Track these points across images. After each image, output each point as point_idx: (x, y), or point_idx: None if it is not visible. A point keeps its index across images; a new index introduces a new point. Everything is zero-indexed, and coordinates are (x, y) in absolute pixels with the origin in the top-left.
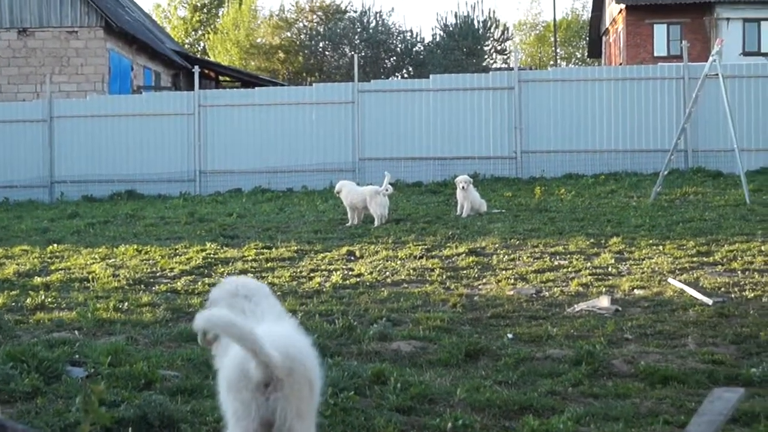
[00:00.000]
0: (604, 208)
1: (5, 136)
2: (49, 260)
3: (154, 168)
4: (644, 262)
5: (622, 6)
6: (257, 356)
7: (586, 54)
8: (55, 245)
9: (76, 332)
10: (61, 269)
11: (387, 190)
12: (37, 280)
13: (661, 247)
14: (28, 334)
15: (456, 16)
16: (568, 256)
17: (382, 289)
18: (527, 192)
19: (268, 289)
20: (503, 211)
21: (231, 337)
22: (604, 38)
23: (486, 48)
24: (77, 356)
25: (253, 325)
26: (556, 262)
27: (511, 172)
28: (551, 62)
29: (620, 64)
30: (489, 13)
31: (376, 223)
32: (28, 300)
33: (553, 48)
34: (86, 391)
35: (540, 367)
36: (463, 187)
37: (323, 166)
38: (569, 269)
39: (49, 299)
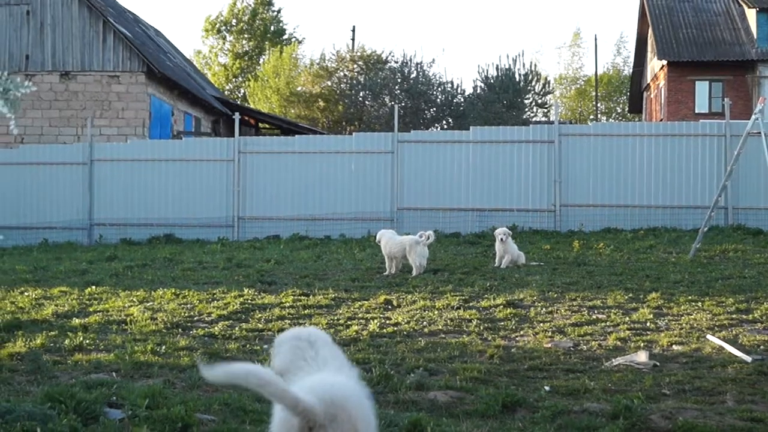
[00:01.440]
0: (642, 263)
1: (46, 178)
2: (87, 302)
3: (192, 213)
4: (683, 318)
5: (664, 62)
6: (289, 404)
7: (626, 109)
8: (94, 287)
9: (114, 374)
10: (99, 311)
11: (428, 239)
12: (76, 321)
13: (699, 304)
14: (66, 374)
15: (497, 68)
16: (606, 310)
17: (419, 338)
18: (565, 245)
19: (330, 338)
20: (541, 263)
21: (253, 387)
22: (645, 94)
23: (526, 101)
24: (115, 398)
25: (312, 371)
26: (594, 316)
27: (549, 225)
28: (591, 116)
29: (661, 119)
30: (530, 66)
31: (414, 273)
32: (67, 341)
33: (594, 102)
34: None
35: (577, 421)
36: (501, 239)
37: (361, 215)
38: (607, 323)
39: (88, 341)
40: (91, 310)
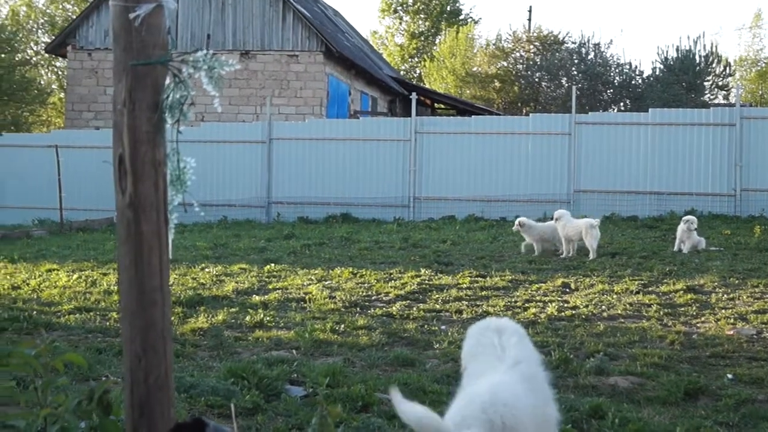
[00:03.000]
0: None
1: (225, 156)
2: (266, 279)
3: (368, 192)
4: None
5: None
6: None
7: None
8: (272, 265)
9: (294, 351)
10: (278, 288)
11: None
12: (256, 298)
13: None
14: (247, 351)
15: (677, 50)
16: None
17: (598, 322)
18: (746, 230)
19: (522, 330)
20: (721, 249)
21: None
22: None
23: (706, 83)
24: (295, 375)
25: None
26: None
27: (729, 209)
28: None
29: None
30: (711, 47)
31: (591, 256)
32: (247, 318)
33: None
34: (322, 413)
35: (762, 410)
36: (688, 228)
37: (537, 197)
38: None
39: (268, 318)
40: (270, 287)
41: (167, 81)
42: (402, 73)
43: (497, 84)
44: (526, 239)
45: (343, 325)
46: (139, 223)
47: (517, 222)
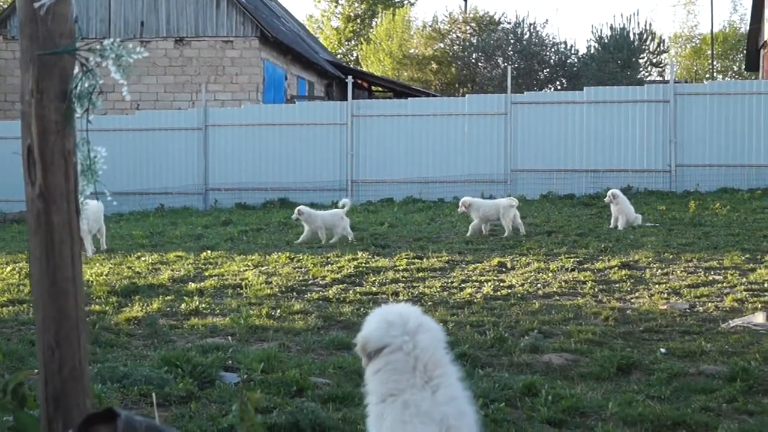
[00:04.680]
0: (760, 223)
1: (161, 144)
2: (203, 266)
3: (306, 177)
4: None
5: None
6: None
7: (743, 67)
8: (209, 252)
9: (230, 338)
10: (214, 275)
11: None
12: (192, 285)
13: None
14: (182, 339)
15: (611, 28)
16: (723, 271)
17: (534, 300)
18: (681, 206)
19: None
20: (657, 224)
21: None
22: (762, 51)
23: (641, 61)
24: (230, 362)
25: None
26: (710, 277)
27: (665, 185)
28: (707, 75)
29: None
30: (645, 25)
31: (506, 234)
32: (183, 305)
33: (710, 61)
34: (243, 398)
35: (693, 383)
36: (611, 201)
37: (475, 177)
38: (724, 284)
39: (203, 305)
40: (206, 274)
41: (76, 70)
42: (339, 56)
43: (434, 66)
44: (473, 218)
45: (279, 310)
46: (50, 213)
47: (461, 202)
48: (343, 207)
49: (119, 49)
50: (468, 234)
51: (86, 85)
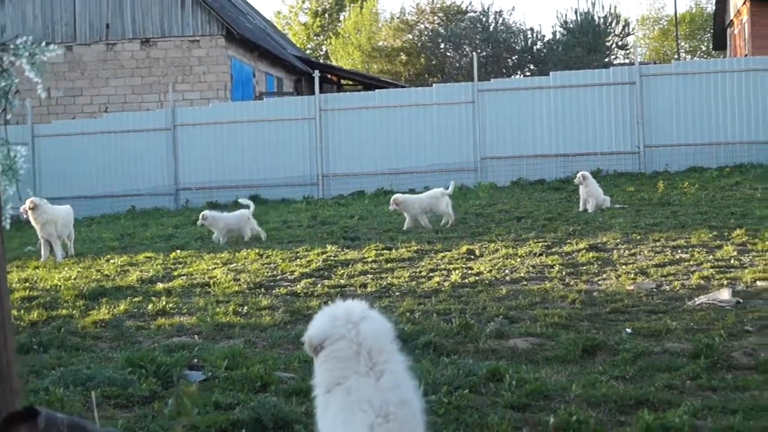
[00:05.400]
0: (728, 201)
1: (130, 145)
2: (172, 266)
3: (277, 173)
4: None
5: None
6: None
7: (711, 47)
8: (179, 251)
9: (196, 337)
10: (183, 275)
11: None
12: (160, 286)
13: None
14: (148, 339)
15: (576, 12)
16: (690, 249)
17: (501, 287)
18: (650, 187)
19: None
20: (626, 206)
21: None
22: (728, 30)
23: (607, 44)
24: (196, 360)
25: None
26: (677, 256)
27: (634, 167)
28: (675, 56)
29: (746, 55)
30: (609, 8)
31: (445, 221)
32: (150, 306)
33: (676, 41)
34: (178, 393)
35: (658, 362)
36: (580, 182)
37: (445, 167)
38: (691, 262)
39: (171, 305)
40: (175, 274)
41: None
42: (308, 52)
43: (403, 57)
44: (406, 216)
45: (246, 307)
46: None
47: (392, 200)
48: (247, 207)
49: (32, 47)
50: (405, 227)
51: (2, 84)
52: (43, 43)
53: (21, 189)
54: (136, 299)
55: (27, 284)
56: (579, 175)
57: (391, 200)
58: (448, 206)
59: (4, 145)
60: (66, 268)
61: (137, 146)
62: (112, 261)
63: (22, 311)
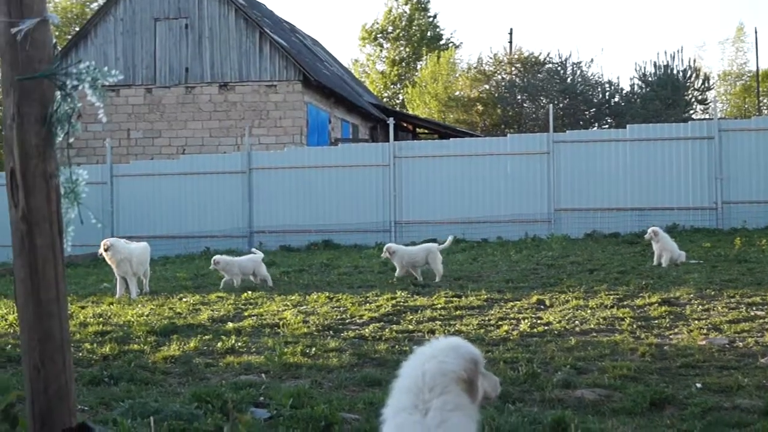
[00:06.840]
0: None
1: (206, 187)
2: (242, 306)
3: (350, 218)
4: None
5: None
6: None
7: None
8: (250, 292)
9: (263, 375)
10: (253, 315)
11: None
12: (230, 325)
13: None
14: (216, 376)
15: (655, 65)
16: (765, 306)
17: (570, 337)
18: (727, 243)
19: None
20: (701, 261)
21: None
22: None
23: (686, 98)
24: (262, 398)
25: None
26: (752, 313)
27: (711, 223)
28: (756, 113)
29: None
30: (689, 62)
31: (437, 279)
32: (219, 344)
33: (756, 97)
34: (233, 420)
35: (727, 417)
36: (651, 239)
37: (518, 217)
38: (766, 320)
39: (240, 344)
40: (245, 314)
41: (57, 95)
42: (385, 100)
43: (480, 107)
44: (396, 265)
45: (314, 348)
46: (33, 236)
47: (385, 249)
48: (255, 253)
49: (95, 72)
50: (396, 275)
51: (65, 108)
52: (105, 68)
53: (102, 226)
54: (206, 337)
55: (101, 319)
56: (650, 230)
57: (384, 248)
58: (436, 261)
59: (67, 168)
60: (139, 305)
61: (213, 188)
62: (184, 299)
63: (95, 345)
